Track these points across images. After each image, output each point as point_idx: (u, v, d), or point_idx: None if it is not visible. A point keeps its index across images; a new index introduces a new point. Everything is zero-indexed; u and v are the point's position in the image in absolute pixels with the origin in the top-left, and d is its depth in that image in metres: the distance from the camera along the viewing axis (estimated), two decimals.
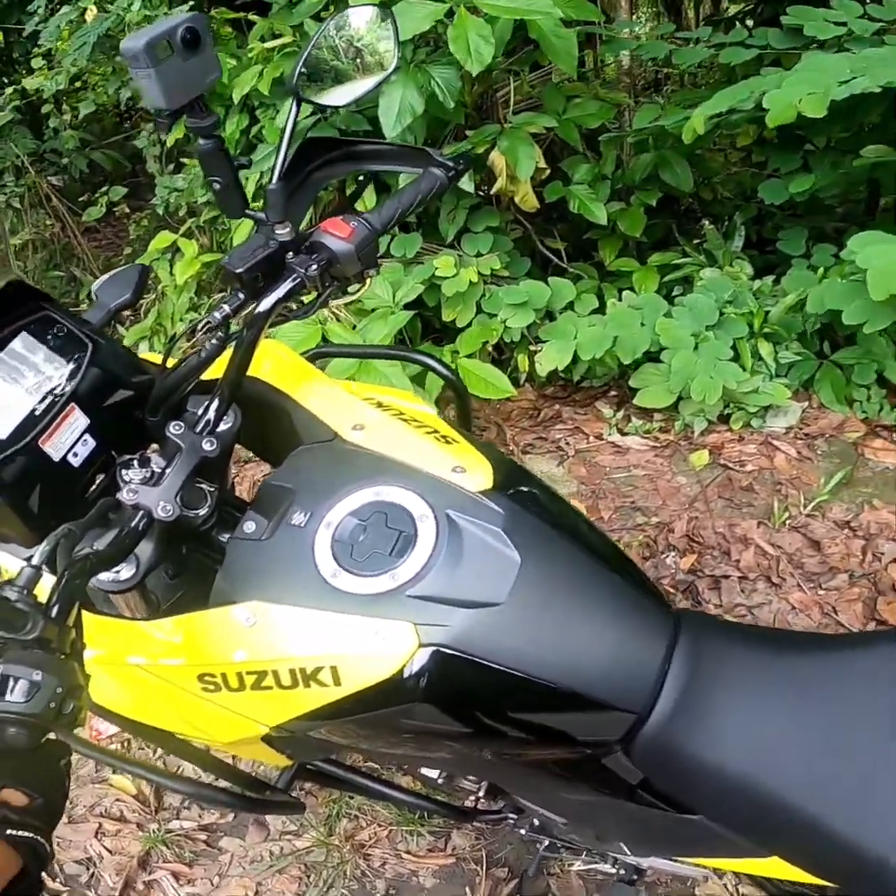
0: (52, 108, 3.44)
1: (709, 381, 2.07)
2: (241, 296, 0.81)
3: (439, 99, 2.12)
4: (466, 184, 2.28)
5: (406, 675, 0.74)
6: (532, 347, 2.25)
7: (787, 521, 2.03)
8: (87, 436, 0.81)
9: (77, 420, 0.80)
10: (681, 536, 2.01)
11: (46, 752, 0.58)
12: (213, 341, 0.83)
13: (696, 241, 2.54)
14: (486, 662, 0.75)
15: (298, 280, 0.80)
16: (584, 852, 1.36)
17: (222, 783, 1.07)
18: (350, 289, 0.90)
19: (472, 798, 1.22)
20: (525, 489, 0.87)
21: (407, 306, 2.30)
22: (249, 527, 0.83)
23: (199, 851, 1.69)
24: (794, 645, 0.93)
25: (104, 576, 0.79)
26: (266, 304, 0.79)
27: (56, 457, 0.78)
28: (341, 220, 0.83)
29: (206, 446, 0.80)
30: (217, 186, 0.84)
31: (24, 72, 3.58)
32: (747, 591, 1.94)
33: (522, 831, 1.34)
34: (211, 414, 0.82)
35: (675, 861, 1.12)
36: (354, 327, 2.25)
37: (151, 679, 0.84)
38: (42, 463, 0.77)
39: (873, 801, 0.80)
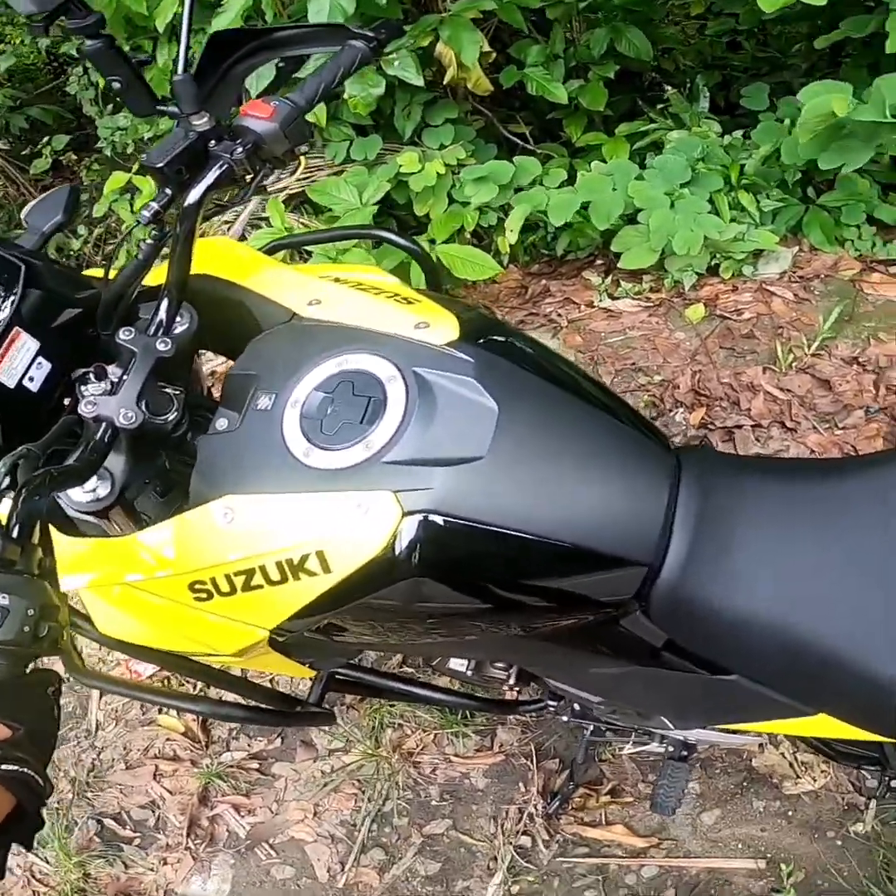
0: None
1: (690, 234, 2.01)
2: (168, 191, 0.78)
3: None
4: (414, 77, 2.20)
5: (396, 549, 0.69)
6: (508, 227, 2.17)
7: (794, 364, 1.98)
8: (40, 359, 0.77)
9: (26, 343, 0.76)
10: (687, 392, 1.96)
11: (26, 679, 0.54)
12: (148, 241, 0.79)
13: (660, 107, 2.47)
14: (476, 523, 0.70)
15: (225, 166, 0.77)
16: (632, 734, 1.32)
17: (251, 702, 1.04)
18: (286, 170, 0.86)
19: (505, 687, 1.18)
20: (498, 338, 0.82)
21: (376, 206, 2.22)
22: (222, 423, 0.79)
23: (254, 780, 1.68)
24: (805, 471, 0.86)
25: (82, 497, 0.77)
26: (195, 193, 0.76)
27: (10, 383, 0.75)
28: (262, 102, 0.80)
29: (161, 347, 0.77)
30: (118, 85, 0.80)
31: None
32: (763, 439, 1.89)
33: (564, 718, 1.30)
34: (161, 315, 0.79)
35: (721, 730, 1.07)
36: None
37: (150, 599, 0.80)
38: None
39: None
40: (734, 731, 1.07)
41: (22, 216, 0.88)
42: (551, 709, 1.32)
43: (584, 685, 1.04)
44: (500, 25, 2.55)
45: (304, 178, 2.40)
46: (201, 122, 0.79)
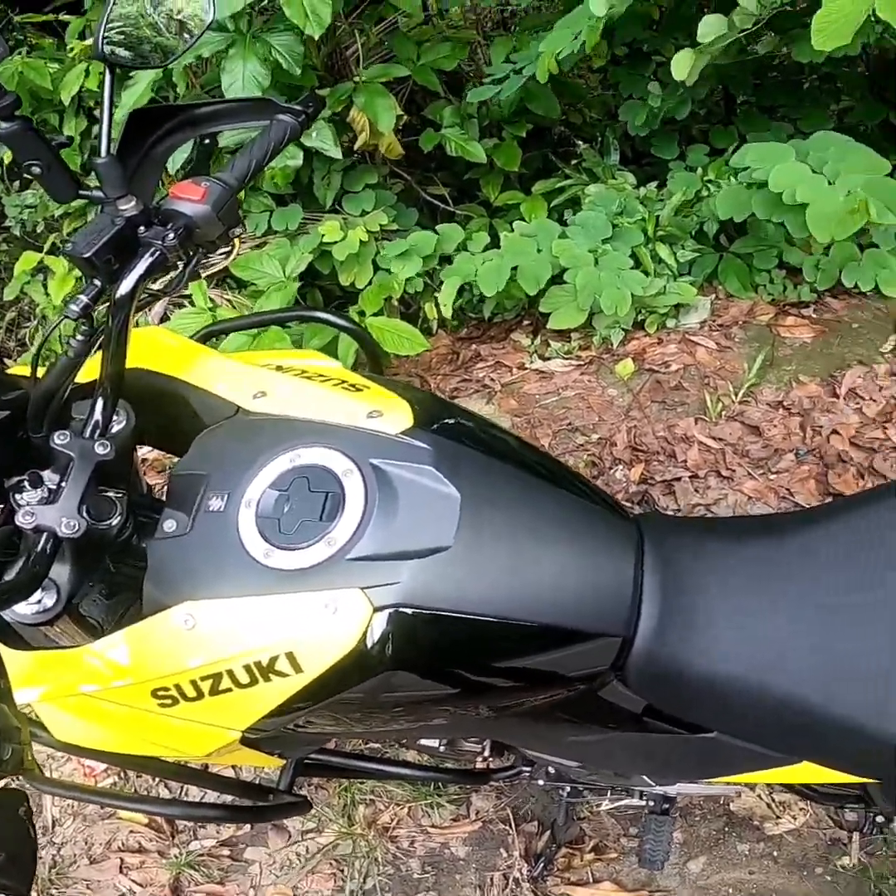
0: None
1: (616, 291, 2.05)
2: (98, 283, 0.73)
3: (284, 67, 2.05)
4: (332, 149, 2.20)
5: (368, 645, 0.68)
6: (437, 295, 2.19)
7: (723, 412, 2.03)
8: None
9: None
10: (624, 448, 1.99)
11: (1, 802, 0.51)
12: (79, 337, 0.74)
13: (574, 162, 2.53)
14: (449, 613, 0.69)
15: (157, 253, 0.73)
16: (610, 790, 1.31)
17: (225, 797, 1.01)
18: (219, 253, 0.84)
19: (479, 759, 1.17)
20: (450, 421, 0.81)
21: (300, 278, 2.20)
22: (169, 525, 0.76)
23: (228, 868, 1.61)
24: (760, 529, 0.88)
25: (26, 609, 0.73)
26: (126, 284, 0.72)
27: None
28: (191, 183, 0.77)
29: (100, 450, 0.73)
30: (37, 170, 0.75)
31: None
32: (701, 490, 1.94)
33: (540, 782, 1.29)
34: (97, 415, 0.75)
35: (703, 783, 1.08)
36: (250, 311, 2.14)
37: (109, 706, 0.76)
38: None
39: (887, 681, 0.75)
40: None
41: None
42: (526, 774, 1.31)
43: (561, 753, 1.04)
44: (414, 87, 2.59)
45: (225, 253, 2.37)
46: (128, 207, 0.75)
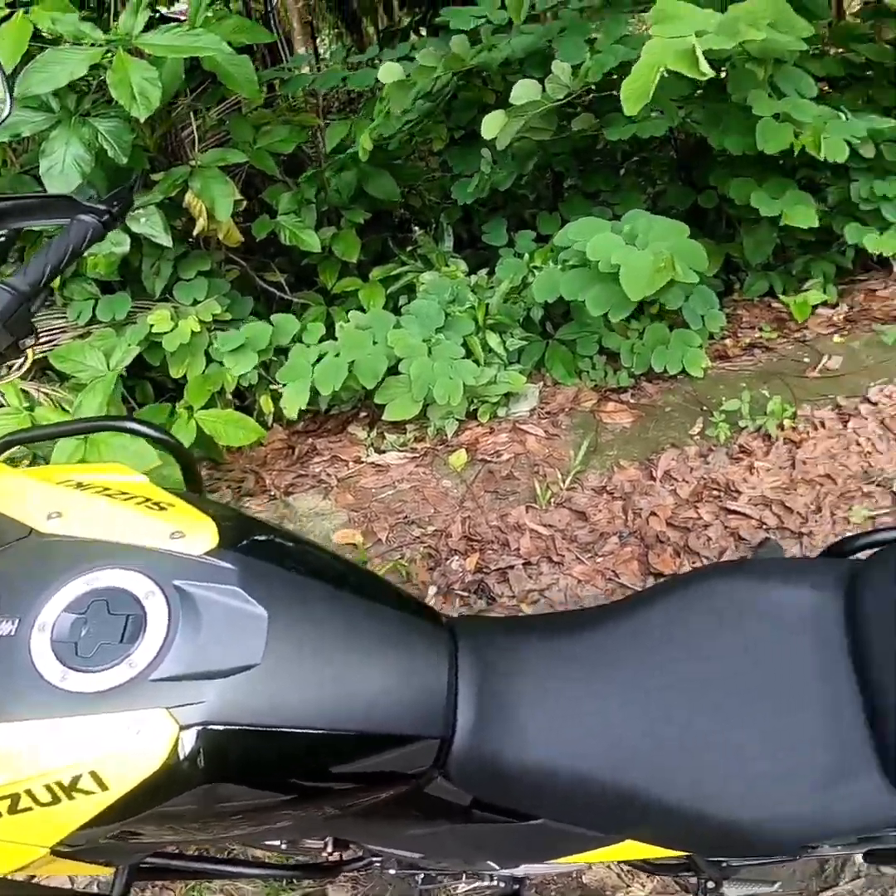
0: None
1: (449, 382, 2.11)
2: None
3: (110, 154, 1.99)
4: (162, 237, 2.16)
5: (177, 761, 0.67)
6: (273, 387, 2.17)
7: (552, 499, 2.12)
8: None
9: None
10: (460, 539, 2.03)
11: None
12: None
13: (410, 248, 2.60)
14: (259, 728, 0.70)
15: None
16: (463, 874, 1.31)
17: None
18: (6, 366, 0.80)
19: (324, 854, 1.16)
20: (259, 538, 0.82)
21: (130, 371, 2.13)
22: None
23: None
24: (569, 624, 0.95)
25: None
26: None
27: None
28: None
29: None
30: None
31: None
32: (534, 576, 2.00)
33: (392, 871, 1.28)
34: None
35: (546, 863, 1.12)
36: (68, 407, 2.04)
37: None
38: None
39: (699, 758, 0.81)
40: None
41: None
42: (376, 864, 1.30)
43: (401, 845, 1.05)
44: (251, 171, 2.58)
45: (45, 341, 2.26)
46: None
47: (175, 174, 2.27)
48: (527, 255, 2.44)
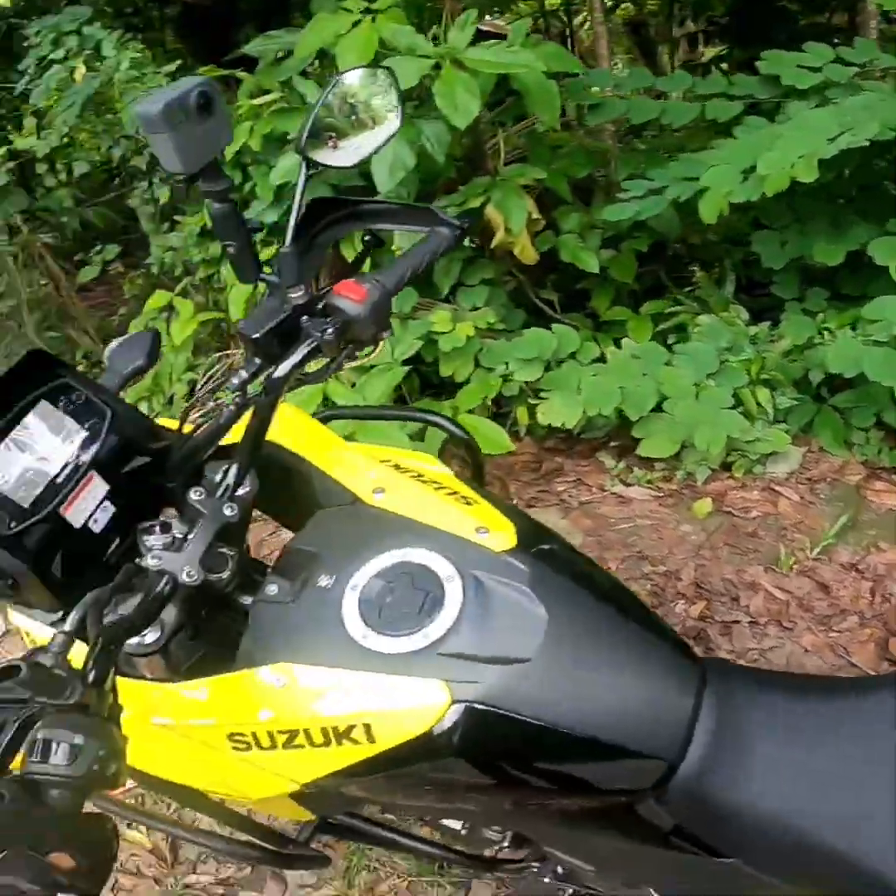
0: (45, 169, 3.46)
1: (712, 430, 2.08)
2: (258, 361, 0.82)
3: (430, 153, 2.13)
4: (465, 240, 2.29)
5: (439, 731, 0.75)
6: (531, 400, 2.25)
7: (795, 566, 2.03)
8: (106, 502, 0.81)
9: (97, 487, 0.80)
10: (689, 584, 2.00)
11: (87, 817, 0.57)
12: (231, 407, 0.83)
13: (687, 289, 2.57)
14: (518, 717, 0.76)
15: (315, 345, 0.80)
16: None
17: (243, 837, 1.07)
18: (362, 352, 0.89)
19: (495, 847, 1.22)
20: (547, 547, 0.88)
21: (405, 362, 2.30)
22: (272, 589, 0.84)
23: None
24: (815, 688, 0.95)
25: (130, 640, 0.78)
26: (283, 369, 0.79)
27: (77, 524, 0.78)
28: (355, 283, 0.81)
29: (227, 512, 0.81)
30: (231, 251, 0.84)
31: (13, 129, 3.60)
32: (759, 636, 1.93)
33: (546, 879, 1.32)
34: (230, 479, 0.83)
35: None
36: (353, 385, 2.25)
37: (177, 738, 0.84)
38: (64, 530, 0.77)
39: None
40: None
41: (105, 355, 0.90)
42: (534, 869, 1.34)
43: (581, 854, 1.08)
44: (544, 192, 2.67)
45: None
46: (297, 295, 0.82)
47: (477, 185, 2.41)
48: (820, 316, 2.32)
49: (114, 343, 0.92)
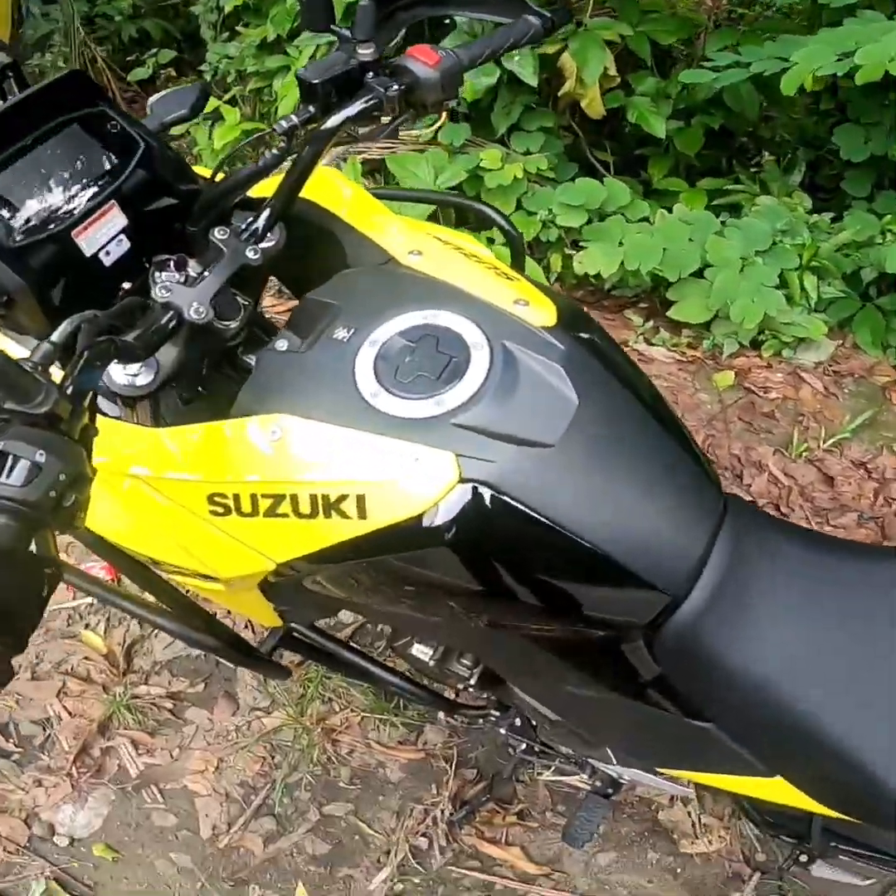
0: None
1: (751, 304, 2.01)
2: (312, 109, 0.77)
3: None
4: (529, 77, 2.20)
5: (438, 513, 0.68)
6: (567, 250, 2.19)
7: (804, 453, 1.98)
8: (122, 236, 0.77)
9: (115, 218, 0.76)
10: None
11: (27, 558, 0.47)
12: (274, 151, 0.78)
13: (753, 170, 2.46)
14: (526, 509, 0.68)
15: (375, 100, 0.76)
16: (557, 760, 1.32)
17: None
18: (426, 120, 0.86)
19: (463, 684, 1.14)
20: (590, 336, 0.80)
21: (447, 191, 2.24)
22: (281, 345, 0.78)
23: (163, 720, 1.63)
24: (841, 550, 0.86)
25: (120, 379, 0.75)
26: (336, 119, 0.75)
27: (88, 252, 0.74)
28: (429, 48, 0.79)
29: (250, 254, 0.76)
30: None
31: None
32: None
33: (502, 730, 1.28)
34: (260, 224, 0.78)
35: (660, 774, 1.07)
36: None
37: (153, 498, 0.77)
38: (72, 254, 0.73)
39: (885, 722, 0.75)
40: (673, 777, 1.07)
41: (150, 103, 0.87)
42: (492, 717, 1.30)
43: (549, 700, 1.03)
44: (624, 51, 2.55)
45: (386, 148, 2.43)
46: (367, 52, 0.78)
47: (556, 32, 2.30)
48: (887, 217, 2.22)
49: (161, 93, 0.87)
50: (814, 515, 1.91)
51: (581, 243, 2.17)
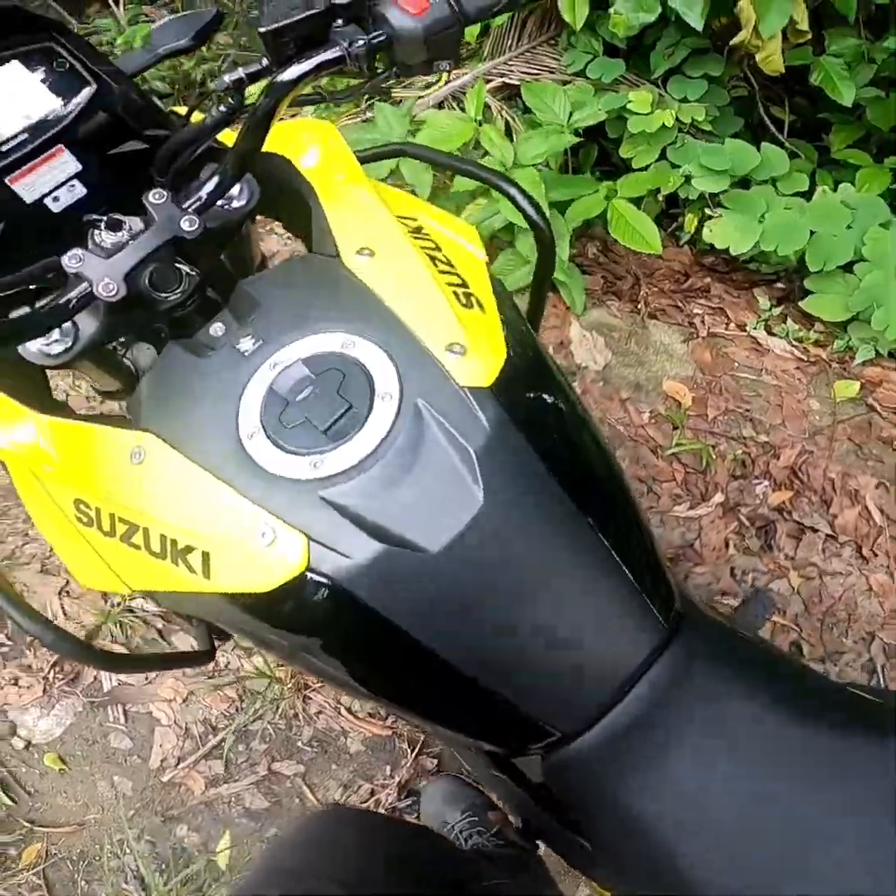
0: None
1: None
2: (265, 62, 0.65)
3: None
4: (694, 19, 1.94)
5: (281, 597, 0.59)
6: (707, 211, 1.94)
7: None
8: (75, 182, 0.70)
9: (65, 163, 0.70)
10: (784, 467, 1.71)
11: None
12: (222, 108, 0.67)
13: None
14: (387, 619, 0.58)
15: (336, 55, 0.61)
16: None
17: None
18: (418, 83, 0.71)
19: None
20: (536, 396, 0.66)
21: (585, 132, 2.04)
22: (217, 329, 0.70)
23: (149, 640, 1.62)
24: (795, 694, 0.69)
25: (32, 345, 0.70)
26: (288, 74, 0.61)
27: (28, 198, 0.68)
28: None
29: (185, 225, 0.66)
30: None
31: None
32: (828, 554, 1.64)
33: None
34: (204, 192, 0.67)
35: None
36: (512, 138, 2.02)
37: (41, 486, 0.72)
38: (8, 201, 0.68)
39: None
40: None
41: (151, 28, 0.80)
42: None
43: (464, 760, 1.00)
44: (823, 5, 2.21)
45: (532, 72, 2.24)
46: None
47: None
48: None
49: (167, 18, 0.78)
50: None
51: (719, 209, 1.91)
